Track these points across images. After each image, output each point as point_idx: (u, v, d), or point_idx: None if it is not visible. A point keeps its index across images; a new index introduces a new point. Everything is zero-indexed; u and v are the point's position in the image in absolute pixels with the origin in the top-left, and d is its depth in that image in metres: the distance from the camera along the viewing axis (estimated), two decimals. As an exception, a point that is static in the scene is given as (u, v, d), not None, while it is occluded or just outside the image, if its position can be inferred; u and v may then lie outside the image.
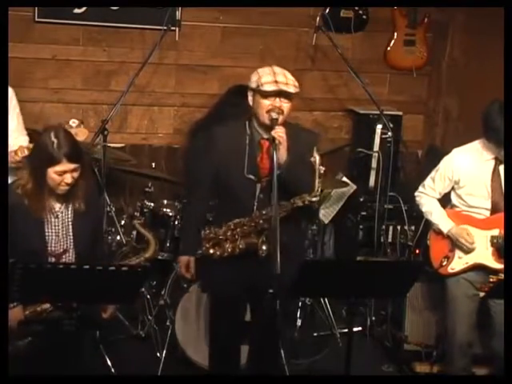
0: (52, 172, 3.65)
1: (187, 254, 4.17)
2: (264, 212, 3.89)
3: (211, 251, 4.00)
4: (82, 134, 3.98)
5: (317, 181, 3.77)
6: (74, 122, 4.03)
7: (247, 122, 3.99)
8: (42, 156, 3.67)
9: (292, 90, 3.86)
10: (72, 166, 3.66)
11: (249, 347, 4.38)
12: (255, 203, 3.95)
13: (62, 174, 3.66)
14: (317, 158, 3.75)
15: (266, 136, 3.91)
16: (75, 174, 3.69)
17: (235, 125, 4.05)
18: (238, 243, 3.95)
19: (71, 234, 3.82)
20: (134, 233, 5.13)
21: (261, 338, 4.17)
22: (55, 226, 3.79)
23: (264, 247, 3.87)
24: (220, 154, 4.00)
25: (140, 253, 4.20)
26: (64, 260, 3.79)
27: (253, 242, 3.93)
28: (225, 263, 4.00)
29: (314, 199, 3.82)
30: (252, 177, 3.95)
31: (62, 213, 3.80)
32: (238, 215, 3.95)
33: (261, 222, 3.91)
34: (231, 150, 3.97)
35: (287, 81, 3.86)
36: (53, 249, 3.79)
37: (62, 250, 3.80)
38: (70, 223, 3.81)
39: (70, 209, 3.81)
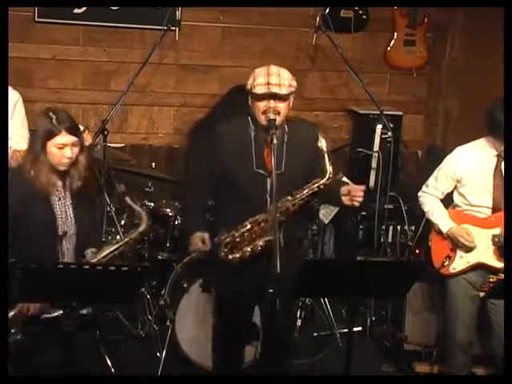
0: (52, 146, 3.67)
1: (199, 229, 4.09)
2: (279, 205, 3.78)
3: (230, 256, 3.90)
4: (85, 140, 4.01)
5: (327, 164, 3.80)
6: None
7: (250, 118, 3.93)
8: (42, 132, 3.69)
9: (285, 91, 3.80)
10: (71, 138, 3.68)
11: (260, 347, 4.38)
12: (267, 197, 3.87)
13: (62, 147, 3.67)
14: (323, 142, 3.79)
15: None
16: (75, 150, 3.70)
17: (239, 121, 3.99)
18: (256, 242, 3.88)
19: (72, 216, 3.81)
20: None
21: (268, 337, 4.18)
22: (58, 207, 3.78)
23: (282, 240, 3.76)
24: (226, 152, 3.95)
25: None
26: (64, 243, 3.79)
27: (271, 239, 3.79)
28: (232, 263, 3.94)
29: (327, 182, 3.84)
30: (262, 171, 3.89)
31: (61, 194, 3.80)
32: (251, 211, 3.88)
33: (277, 215, 3.77)
34: (238, 147, 3.93)
35: (280, 81, 3.80)
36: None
37: (61, 233, 3.79)
38: (70, 205, 3.81)
39: (67, 190, 3.81)
